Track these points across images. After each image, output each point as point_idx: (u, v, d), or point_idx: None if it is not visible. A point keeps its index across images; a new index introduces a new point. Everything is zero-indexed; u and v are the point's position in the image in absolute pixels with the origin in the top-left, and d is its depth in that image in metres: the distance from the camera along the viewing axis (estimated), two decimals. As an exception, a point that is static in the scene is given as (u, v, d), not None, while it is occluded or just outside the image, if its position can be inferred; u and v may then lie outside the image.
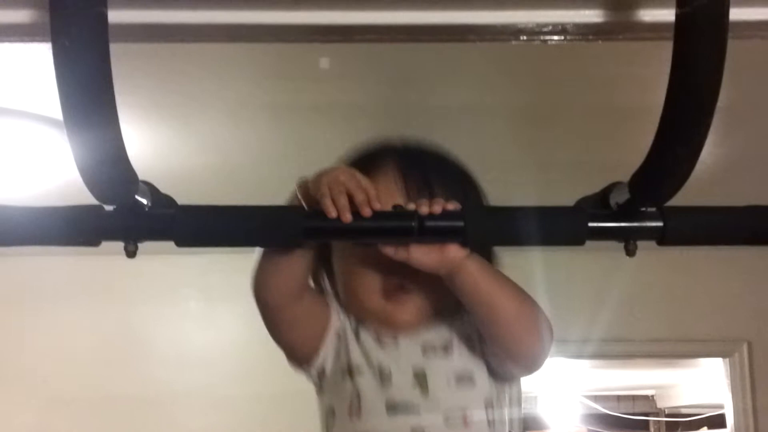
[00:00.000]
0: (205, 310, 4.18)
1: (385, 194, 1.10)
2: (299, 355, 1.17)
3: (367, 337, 1.16)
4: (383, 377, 1.12)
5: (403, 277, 1.14)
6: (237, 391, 3.99)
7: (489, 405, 1.14)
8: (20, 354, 4.09)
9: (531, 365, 1.15)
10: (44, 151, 2.48)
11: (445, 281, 1.07)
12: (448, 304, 1.16)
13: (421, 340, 1.15)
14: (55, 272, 4.08)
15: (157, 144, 2.63)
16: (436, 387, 1.12)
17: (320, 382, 1.17)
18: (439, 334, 1.16)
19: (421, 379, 1.12)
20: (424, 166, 1.20)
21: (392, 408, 1.11)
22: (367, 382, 1.13)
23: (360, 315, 1.17)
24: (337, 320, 1.17)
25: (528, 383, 5.55)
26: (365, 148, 1.25)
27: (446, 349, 1.15)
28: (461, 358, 1.15)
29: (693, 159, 0.88)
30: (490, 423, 1.14)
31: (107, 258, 3.82)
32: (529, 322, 1.11)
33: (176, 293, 4.18)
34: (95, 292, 4.13)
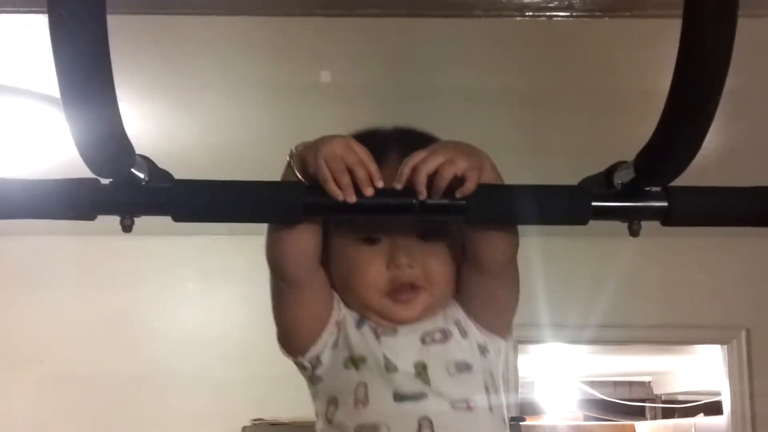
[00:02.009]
0: (202, 291, 4.18)
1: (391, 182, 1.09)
2: (297, 340, 1.15)
3: (367, 329, 1.14)
4: (388, 367, 1.11)
5: (415, 275, 1.12)
6: (233, 372, 4.00)
7: (487, 389, 1.14)
8: (17, 333, 4.10)
9: (504, 271, 1.13)
10: (43, 128, 2.47)
11: None
12: (447, 297, 1.16)
13: (420, 332, 1.14)
14: (53, 252, 4.08)
15: (156, 121, 2.62)
16: (437, 377, 1.11)
17: (314, 371, 1.15)
18: (435, 323, 1.15)
19: (421, 370, 1.11)
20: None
21: (399, 397, 1.10)
22: (372, 372, 1.11)
23: (361, 310, 1.15)
24: (338, 311, 1.15)
25: (525, 368, 5.56)
26: (362, 137, 1.23)
27: (444, 336, 1.14)
28: (458, 344, 1.14)
29: (699, 139, 0.86)
30: (491, 407, 1.14)
31: (105, 238, 3.85)
32: (512, 234, 1.10)
33: (174, 274, 4.18)
34: (93, 272, 4.13)
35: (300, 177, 0.98)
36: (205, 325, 4.14)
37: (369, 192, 0.95)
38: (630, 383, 8.38)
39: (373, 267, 1.12)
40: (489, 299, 1.16)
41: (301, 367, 1.17)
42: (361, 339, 1.14)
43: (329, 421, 1.13)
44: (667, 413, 8.01)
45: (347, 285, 1.15)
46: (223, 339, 4.09)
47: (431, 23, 1.93)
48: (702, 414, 6.92)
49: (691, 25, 0.79)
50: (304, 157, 0.99)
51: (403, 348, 1.12)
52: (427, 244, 1.13)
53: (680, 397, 7.80)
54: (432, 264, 1.13)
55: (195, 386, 4.01)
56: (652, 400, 8.29)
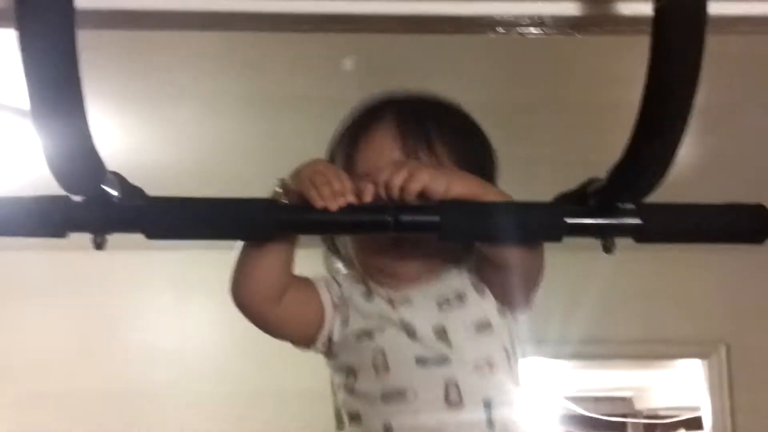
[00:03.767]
0: (179, 305, 4.15)
1: (382, 149, 1.12)
2: (300, 341, 1.17)
3: (380, 301, 1.15)
4: (408, 332, 1.12)
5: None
6: (211, 387, 3.96)
7: (506, 350, 1.15)
8: (-8, 350, 4.05)
9: (532, 279, 1.16)
10: (15, 144, 2.45)
11: None
12: (454, 253, 1.16)
13: (435, 295, 1.15)
14: (28, 267, 4.04)
15: (128, 136, 2.60)
16: (458, 338, 1.12)
17: (330, 349, 1.17)
18: (450, 285, 1.16)
19: (441, 334, 1.12)
20: (424, 119, 1.19)
21: (422, 361, 1.11)
22: (392, 338, 1.12)
23: (369, 272, 1.16)
24: (329, 293, 1.17)
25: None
26: (367, 102, 1.25)
27: (461, 298, 1.15)
28: (476, 306, 1.15)
29: (671, 155, 0.87)
30: (511, 368, 1.15)
31: (80, 253, 3.76)
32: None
33: (150, 288, 4.14)
34: (68, 287, 4.09)
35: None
36: (181, 341, 4.11)
37: (347, 201, 0.96)
38: (611, 399, 8.37)
39: None
40: (504, 287, 1.16)
41: (317, 351, 1.18)
42: (374, 309, 1.14)
43: (351, 391, 1.14)
44: (649, 429, 8.01)
45: (359, 246, 1.16)
46: (199, 354, 4.06)
47: (407, 39, 1.94)
48: (683, 429, 6.93)
49: (660, 43, 0.80)
50: (289, 184, 1.02)
51: (420, 315, 1.13)
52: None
53: (661, 413, 7.81)
54: None
55: (173, 402, 3.97)
56: (634, 416, 8.30)
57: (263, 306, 1.10)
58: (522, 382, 1.18)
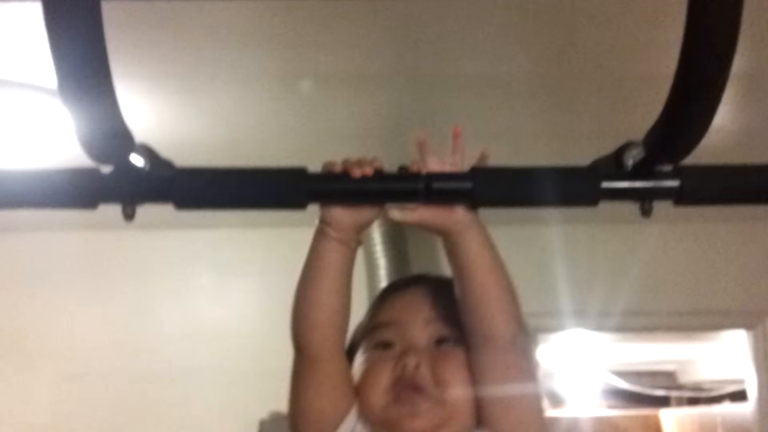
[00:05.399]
0: (216, 284, 4.17)
1: (413, 304, 1.13)
2: (325, 418, 1.10)
3: None
4: None
5: (419, 374, 1.08)
6: (248, 366, 3.98)
7: None
8: (29, 331, 4.11)
9: (498, 343, 1.07)
10: (47, 123, 2.46)
11: (446, 247, 1.05)
12: (466, 416, 1.09)
13: None
14: (64, 248, 4.09)
15: (161, 114, 2.60)
16: None
17: None
18: None
19: None
20: (446, 293, 1.13)
21: None
22: None
23: (370, 422, 1.10)
24: (353, 419, 1.10)
25: (546, 358, 5.52)
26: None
27: None
28: None
29: (709, 113, 0.84)
30: None
31: (116, 232, 3.85)
32: (513, 302, 1.07)
33: (187, 268, 4.17)
34: (107, 267, 4.13)
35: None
36: (219, 319, 4.13)
37: (368, 171, 0.95)
38: (654, 372, 8.31)
39: (381, 369, 1.10)
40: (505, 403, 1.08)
41: None
42: None
43: None
44: (693, 402, 7.94)
45: (359, 392, 1.11)
46: (238, 332, 4.08)
47: (442, 11, 1.91)
48: (728, 402, 6.86)
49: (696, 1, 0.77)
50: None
51: None
52: (441, 350, 1.11)
53: (705, 386, 7.73)
54: (442, 366, 1.08)
55: (211, 381, 4.00)
56: (677, 389, 8.23)
57: (323, 343, 1.08)
58: None
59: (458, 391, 1.08)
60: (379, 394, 1.08)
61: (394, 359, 1.10)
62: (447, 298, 1.11)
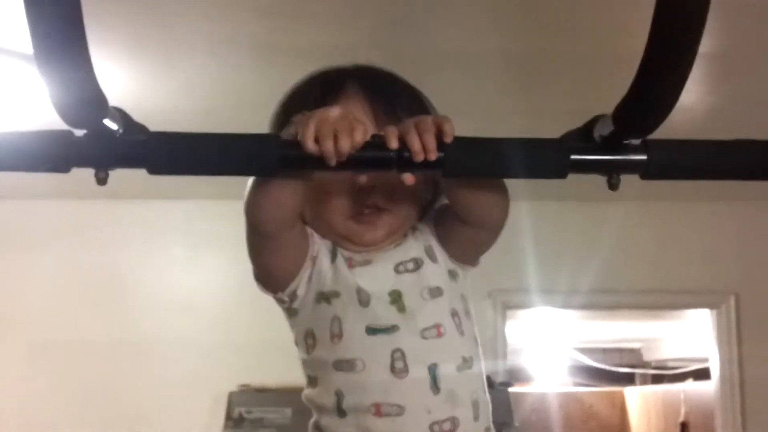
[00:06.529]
0: (189, 256, 4.17)
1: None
2: (274, 280, 1.16)
3: (341, 261, 1.16)
4: (361, 300, 1.13)
5: (377, 197, 1.15)
6: (219, 337, 4.00)
7: (457, 313, 1.17)
8: (1, 299, 4.09)
9: (496, 229, 1.15)
10: (22, 87, 2.44)
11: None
12: (413, 219, 1.20)
13: (393, 260, 1.16)
14: (37, 216, 4.06)
15: (137, 82, 2.58)
16: (412, 304, 1.14)
17: (291, 305, 1.17)
18: (407, 251, 1.18)
19: (396, 298, 1.13)
20: (386, 90, 1.21)
21: (372, 330, 1.12)
22: (345, 305, 1.13)
23: (331, 237, 1.18)
24: (313, 246, 1.17)
25: (514, 335, 5.57)
26: (321, 74, 1.28)
27: (416, 264, 1.17)
28: (430, 271, 1.17)
29: (677, 89, 0.86)
30: (463, 330, 1.16)
31: (91, 202, 3.83)
32: (506, 198, 1.12)
33: (161, 239, 4.16)
34: (79, 236, 4.11)
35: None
36: (191, 290, 4.14)
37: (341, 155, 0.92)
38: (620, 350, 8.43)
39: (338, 190, 1.15)
40: (468, 244, 1.19)
41: (279, 301, 1.19)
42: (335, 273, 1.15)
43: (309, 355, 1.16)
44: (657, 379, 8.07)
45: (317, 213, 1.17)
46: (209, 304, 4.09)
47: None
48: (691, 380, 6.97)
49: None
50: (299, 119, 0.97)
51: (377, 277, 1.15)
52: None
53: (670, 363, 7.85)
54: (394, 184, 1.11)
55: (181, 351, 4.01)
56: (642, 367, 8.35)
57: (277, 228, 1.09)
58: (478, 341, 1.19)
59: (409, 201, 1.18)
60: (339, 214, 1.16)
61: (350, 182, 1.14)
62: (384, 102, 1.18)
